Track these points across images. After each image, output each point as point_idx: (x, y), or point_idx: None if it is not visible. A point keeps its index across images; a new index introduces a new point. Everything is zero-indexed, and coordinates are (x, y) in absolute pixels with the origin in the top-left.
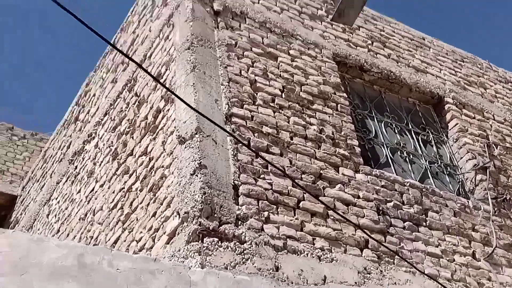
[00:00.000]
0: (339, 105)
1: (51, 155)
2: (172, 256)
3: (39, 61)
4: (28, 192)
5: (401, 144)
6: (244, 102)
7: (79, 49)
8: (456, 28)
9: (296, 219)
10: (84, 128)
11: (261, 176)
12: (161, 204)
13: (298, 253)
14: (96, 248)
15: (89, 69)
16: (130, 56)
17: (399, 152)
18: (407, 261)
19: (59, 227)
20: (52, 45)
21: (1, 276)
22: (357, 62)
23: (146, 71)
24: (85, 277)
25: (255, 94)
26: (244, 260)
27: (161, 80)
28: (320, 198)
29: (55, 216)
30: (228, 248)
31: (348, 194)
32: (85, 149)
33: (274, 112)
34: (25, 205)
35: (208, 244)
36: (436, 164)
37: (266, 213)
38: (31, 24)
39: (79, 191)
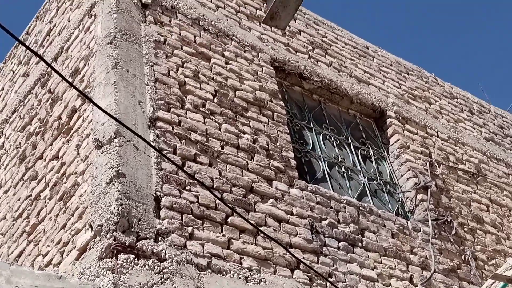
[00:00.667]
0: (275, 113)
1: None
2: (81, 274)
3: None
4: None
5: (340, 159)
6: (171, 106)
7: None
8: (403, 38)
9: (223, 235)
10: None
11: (187, 187)
12: (72, 215)
13: (224, 273)
14: None
15: None
16: (45, 47)
17: (337, 167)
18: (335, 286)
19: None
20: None
21: None
22: (296, 68)
23: (54, 69)
24: None
25: (184, 97)
26: (163, 280)
27: (79, 77)
28: (250, 213)
29: None
30: (145, 266)
31: (281, 210)
32: None
33: (205, 118)
34: None
35: (123, 261)
36: (375, 181)
37: (190, 229)
38: None
39: None
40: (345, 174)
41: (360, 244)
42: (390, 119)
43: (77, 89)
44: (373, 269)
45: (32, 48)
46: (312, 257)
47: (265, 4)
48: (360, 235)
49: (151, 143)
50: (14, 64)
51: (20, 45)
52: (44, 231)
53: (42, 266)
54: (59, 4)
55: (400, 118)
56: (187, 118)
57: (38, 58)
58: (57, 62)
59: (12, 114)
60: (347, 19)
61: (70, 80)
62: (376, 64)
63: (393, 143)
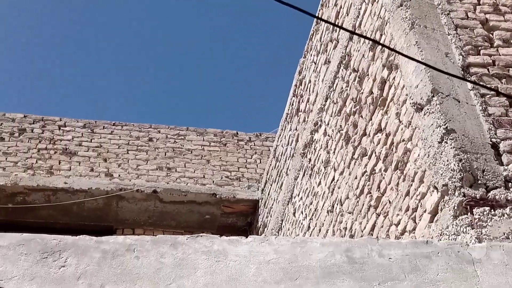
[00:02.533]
0: None
1: (282, 153)
2: (440, 235)
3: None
4: (268, 194)
5: None
6: (479, 48)
7: (271, 42)
8: None
9: None
10: (308, 118)
11: None
12: (412, 181)
13: None
14: (362, 240)
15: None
16: (337, 31)
17: None
18: None
19: (309, 223)
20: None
21: (278, 284)
22: None
23: (358, 34)
24: (357, 272)
25: (490, 36)
26: None
27: (379, 48)
28: None
29: (302, 212)
30: (504, 216)
31: None
32: (315, 139)
33: None
34: (268, 208)
35: (479, 215)
36: None
37: None
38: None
39: (320, 183)
40: None
41: None
42: None
43: (384, 45)
44: None
45: (325, 36)
46: None
47: None
48: None
49: (477, 83)
50: (313, 55)
51: (313, 36)
52: (389, 201)
53: (398, 234)
54: None
55: None
56: (500, 55)
57: (334, 43)
58: (353, 41)
59: (325, 101)
60: None
61: (371, 54)
62: None
63: None
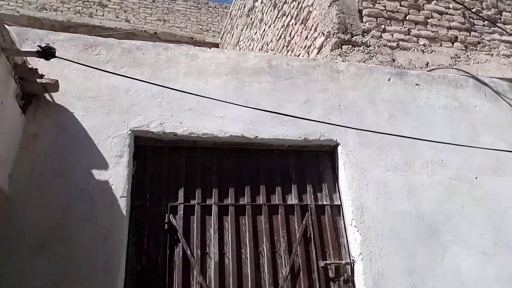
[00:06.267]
0: None
1: (235, 14)
2: (322, 59)
3: None
4: (224, 40)
5: None
6: None
7: None
8: None
9: (404, 27)
10: None
11: (377, 1)
12: (310, 30)
13: (407, 49)
14: (277, 55)
15: None
16: None
17: None
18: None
19: None
20: None
21: (227, 75)
22: None
23: None
24: (274, 72)
25: None
26: (370, 56)
27: None
28: (420, 11)
29: (244, 51)
30: (359, 51)
31: (441, 6)
32: (255, 6)
33: None
34: (224, 48)
35: (345, 49)
36: None
37: (383, 26)
38: None
39: (256, 33)
40: None
41: (499, 21)
42: None
43: None
44: (510, 36)
45: None
46: (466, 33)
47: None
48: (499, 15)
49: None
50: None
51: None
52: (295, 43)
53: None
54: None
55: None
56: None
57: None
58: None
59: None
60: None
61: None
62: None
63: None
